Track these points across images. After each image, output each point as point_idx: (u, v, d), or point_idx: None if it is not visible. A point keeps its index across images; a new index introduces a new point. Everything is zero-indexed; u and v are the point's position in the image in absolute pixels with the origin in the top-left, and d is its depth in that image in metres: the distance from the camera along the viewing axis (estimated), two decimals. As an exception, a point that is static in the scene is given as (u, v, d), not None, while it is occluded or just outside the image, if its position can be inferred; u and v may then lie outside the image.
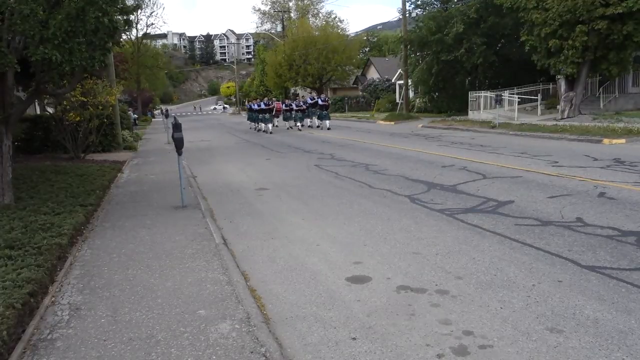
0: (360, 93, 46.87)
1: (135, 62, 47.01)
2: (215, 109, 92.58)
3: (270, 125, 24.47)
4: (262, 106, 25.04)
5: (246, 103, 35.48)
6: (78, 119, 13.68)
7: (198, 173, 11.91)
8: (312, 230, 6.32)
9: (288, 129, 25.45)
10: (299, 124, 25.09)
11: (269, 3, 68.26)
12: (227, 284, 4.51)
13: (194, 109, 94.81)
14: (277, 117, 26.84)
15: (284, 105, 27.01)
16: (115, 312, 4.03)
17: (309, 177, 10.46)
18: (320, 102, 24.84)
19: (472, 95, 25.60)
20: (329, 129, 23.30)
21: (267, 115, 24.65)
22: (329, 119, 24.64)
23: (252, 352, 3.29)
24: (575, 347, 3.21)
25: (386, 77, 45.04)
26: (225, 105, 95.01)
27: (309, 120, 25.76)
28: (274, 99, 32.63)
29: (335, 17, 77.06)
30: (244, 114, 61.55)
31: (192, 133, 26.41)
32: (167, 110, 29.92)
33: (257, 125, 26.35)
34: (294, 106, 25.86)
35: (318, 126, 25.13)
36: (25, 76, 8.10)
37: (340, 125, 26.52)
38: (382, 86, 43.04)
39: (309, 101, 25.72)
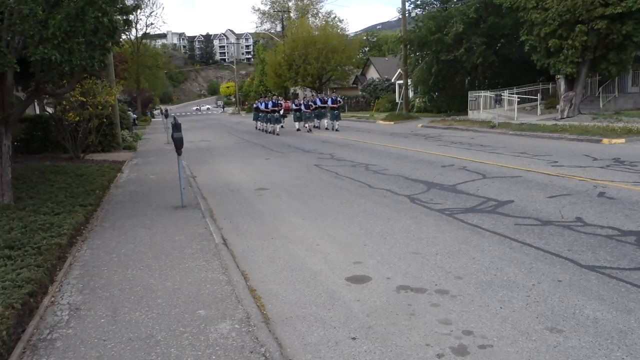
0: (360, 93, 46.88)
1: (134, 62, 46.97)
2: (197, 109, 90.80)
3: (278, 126, 23.39)
4: (270, 105, 23.50)
5: (254, 102, 32.46)
6: (77, 119, 13.67)
7: (198, 173, 11.91)
8: (312, 230, 6.32)
9: (298, 130, 24.08)
10: (308, 124, 23.73)
11: (269, 3, 68.34)
12: (226, 283, 4.51)
13: (199, 109, 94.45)
14: (285, 117, 25.42)
15: (293, 105, 25.50)
16: (114, 312, 4.02)
17: (308, 177, 10.46)
18: (330, 102, 23.26)
19: (471, 95, 25.62)
20: (337, 130, 22.19)
21: (275, 115, 23.27)
22: (339, 119, 23.28)
23: (251, 352, 3.29)
24: (575, 346, 3.21)
25: (386, 77, 45.04)
26: (208, 106, 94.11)
27: (318, 121, 24.44)
28: (281, 97, 29.97)
29: (335, 17, 77.02)
30: (244, 114, 61.69)
31: (192, 133, 26.39)
32: (166, 110, 29.67)
33: (264, 125, 24.93)
34: (303, 107, 24.11)
35: (326, 128, 23.73)
36: (25, 76, 8.10)
37: (340, 125, 26.40)
38: (382, 86, 43.02)
39: (319, 102, 23.92)
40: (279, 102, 24.70)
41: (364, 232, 6.06)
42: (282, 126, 25.16)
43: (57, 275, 4.89)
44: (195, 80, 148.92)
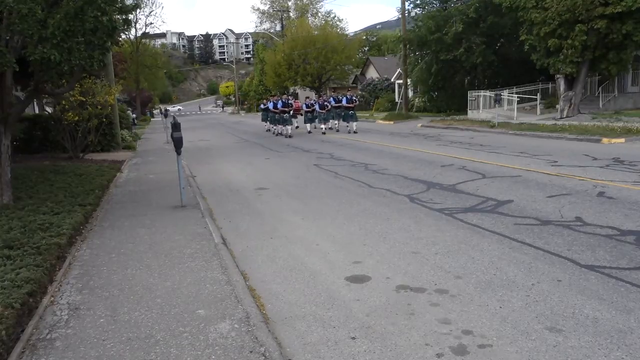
0: (360, 92, 46.85)
1: (134, 62, 46.86)
2: (168, 110, 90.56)
3: (289, 128, 21.37)
4: (280, 106, 21.48)
5: (262, 102, 29.26)
6: (77, 118, 13.65)
7: (197, 173, 11.90)
8: (312, 230, 6.32)
9: (309, 132, 22.31)
10: (323, 126, 21.82)
11: (268, 2, 68.20)
12: (226, 283, 4.51)
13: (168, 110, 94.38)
14: (296, 117, 23.63)
15: (304, 105, 23.40)
16: (114, 312, 4.02)
17: (308, 176, 10.46)
18: (345, 102, 21.40)
19: (471, 94, 25.62)
20: (355, 132, 20.42)
21: (285, 116, 21.35)
22: (355, 120, 21.19)
23: (251, 352, 3.29)
24: (574, 346, 3.21)
25: (385, 76, 45.02)
26: (180, 107, 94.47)
27: (334, 122, 22.48)
28: (291, 97, 27.06)
29: (335, 16, 76.93)
30: (243, 114, 61.65)
31: (191, 133, 26.38)
32: (166, 110, 29.54)
33: (273, 127, 22.96)
34: (317, 106, 22.08)
35: (337, 130, 22.01)
36: (24, 76, 8.09)
37: (340, 125, 26.40)
38: (381, 85, 43.01)
39: (332, 102, 22.00)
40: (290, 101, 22.80)
41: (363, 232, 6.05)
42: (296, 127, 23.17)
43: (56, 275, 4.89)
44: (194, 80, 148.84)
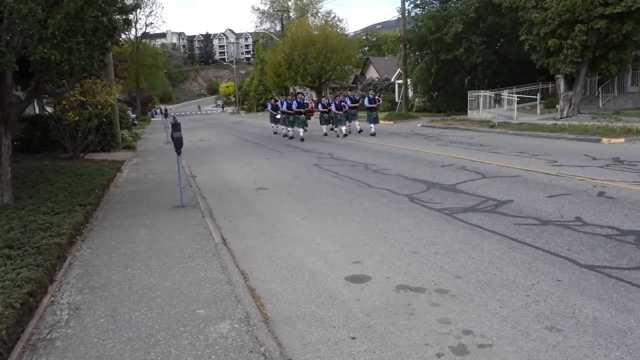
0: (360, 92, 46.82)
1: (134, 62, 46.86)
2: (155, 112, 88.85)
3: (301, 130, 19.34)
4: (295, 106, 19.31)
5: (271, 101, 26.47)
6: (77, 118, 13.65)
7: (197, 173, 11.90)
8: (312, 230, 6.32)
9: (325, 134, 20.57)
10: (343, 127, 19.81)
11: (268, 2, 68.14)
12: (226, 283, 4.51)
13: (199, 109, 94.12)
14: (309, 118, 21.78)
15: (320, 105, 21.50)
16: (114, 312, 4.02)
17: (308, 176, 10.46)
18: (366, 102, 19.69)
19: (471, 94, 25.63)
20: (373, 134, 18.71)
21: (301, 117, 19.34)
22: (377, 122, 19.52)
23: (251, 352, 3.29)
24: (574, 346, 3.21)
25: (385, 76, 45.05)
26: (165, 108, 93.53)
27: (349, 123, 20.52)
28: (306, 97, 24.28)
29: (335, 16, 76.93)
30: (243, 114, 61.64)
31: (192, 133, 26.39)
32: (166, 110, 29.53)
33: (285, 128, 20.79)
34: (333, 107, 20.07)
35: (360, 131, 20.26)
36: (24, 76, 8.11)
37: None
38: (381, 85, 43.03)
39: (349, 103, 20.09)
40: (305, 101, 20.36)
41: (363, 232, 6.06)
42: (305, 129, 20.40)
43: (56, 274, 4.89)
44: (194, 80, 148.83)
